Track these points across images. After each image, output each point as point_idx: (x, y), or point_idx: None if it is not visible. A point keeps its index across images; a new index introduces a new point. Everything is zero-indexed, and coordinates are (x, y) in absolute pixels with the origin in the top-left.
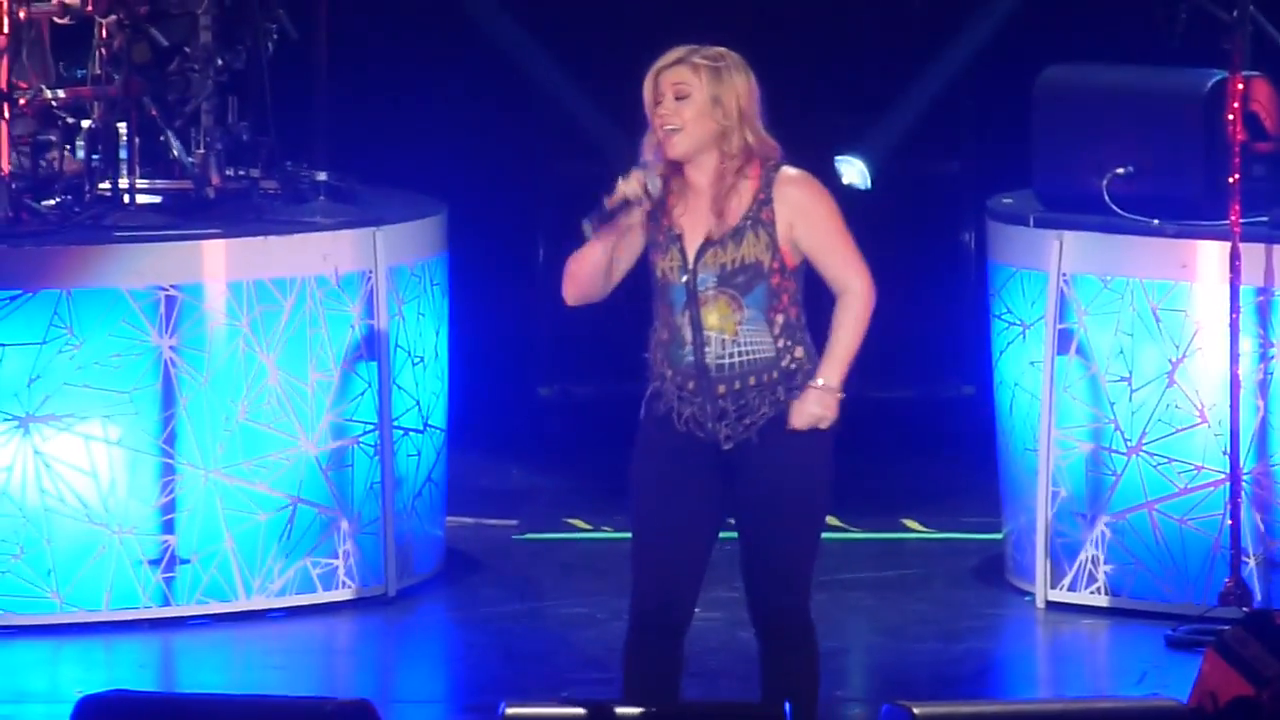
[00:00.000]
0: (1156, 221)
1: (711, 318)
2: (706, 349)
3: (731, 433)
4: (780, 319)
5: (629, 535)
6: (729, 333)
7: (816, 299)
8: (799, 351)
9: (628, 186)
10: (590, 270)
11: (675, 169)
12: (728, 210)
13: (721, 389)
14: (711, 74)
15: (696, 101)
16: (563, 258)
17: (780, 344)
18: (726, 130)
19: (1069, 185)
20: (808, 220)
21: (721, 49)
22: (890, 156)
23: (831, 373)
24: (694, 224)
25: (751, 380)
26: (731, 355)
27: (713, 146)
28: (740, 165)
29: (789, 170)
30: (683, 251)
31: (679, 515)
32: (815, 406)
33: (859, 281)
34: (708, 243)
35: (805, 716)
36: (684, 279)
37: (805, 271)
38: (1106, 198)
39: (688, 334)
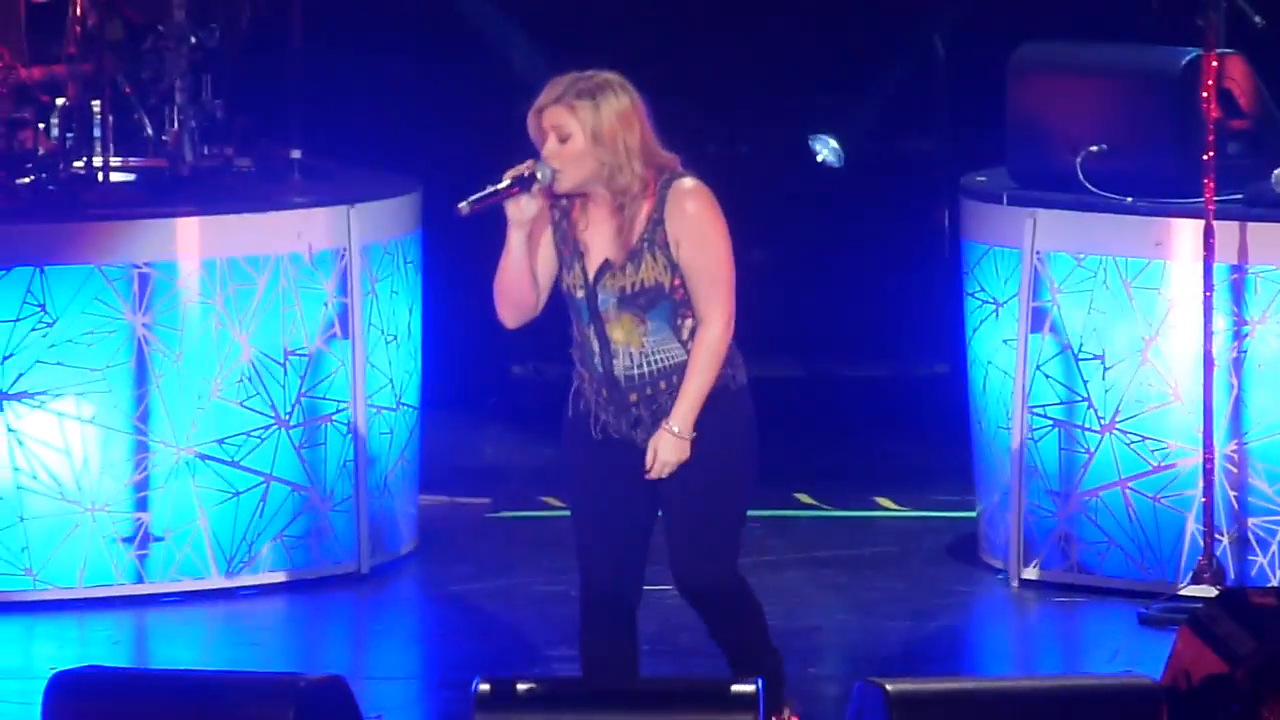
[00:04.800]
0: (1130, 199)
1: (617, 333)
2: (615, 360)
3: (647, 435)
4: (688, 323)
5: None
6: (635, 346)
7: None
8: None
9: (516, 169)
10: (511, 281)
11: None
12: (630, 233)
13: (634, 397)
14: (590, 113)
15: (577, 142)
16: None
17: (690, 344)
18: (611, 169)
19: (1043, 163)
20: (690, 240)
21: (603, 78)
22: (864, 135)
23: (684, 419)
24: (596, 241)
25: (663, 385)
26: (640, 366)
27: (601, 181)
28: (636, 192)
29: (682, 184)
30: (584, 270)
31: (611, 502)
32: (670, 454)
33: (719, 320)
34: (606, 265)
35: (768, 664)
36: (586, 297)
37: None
38: (1081, 175)
39: (595, 345)
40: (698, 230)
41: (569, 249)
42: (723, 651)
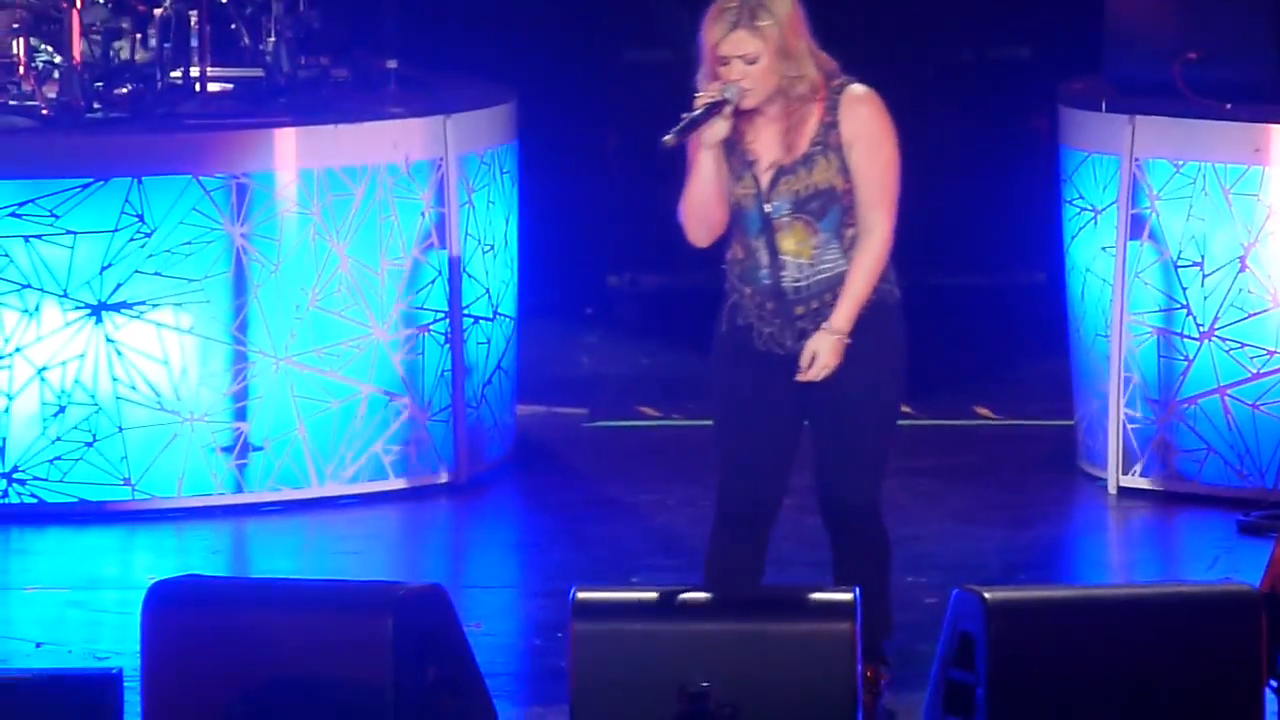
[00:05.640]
0: (1229, 105)
1: (788, 243)
2: (783, 273)
3: None
4: (850, 232)
5: (698, 423)
6: (805, 256)
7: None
8: None
9: (706, 94)
10: (703, 201)
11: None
12: (798, 136)
13: (800, 309)
14: (773, 28)
15: (764, 61)
16: (632, 146)
17: (851, 254)
18: (793, 78)
19: (1141, 69)
20: (863, 144)
21: None
22: (961, 41)
23: (844, 320)
24: (766, 150)
25: (828, 297)
26: (808, 277)
27: (782, 92)
28: (806, 95)
29: (856, 89)
30: (756, 179)
31: (761, 418)
32: (829, 356)
33: (884, 228)
34: (780, 170)
35: (879, 610)
36: (758, 206)
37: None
38: (1179, 81)
39: (764, 257)
40: (872, 135)
41: (738, 160)
42: (837, 578)
